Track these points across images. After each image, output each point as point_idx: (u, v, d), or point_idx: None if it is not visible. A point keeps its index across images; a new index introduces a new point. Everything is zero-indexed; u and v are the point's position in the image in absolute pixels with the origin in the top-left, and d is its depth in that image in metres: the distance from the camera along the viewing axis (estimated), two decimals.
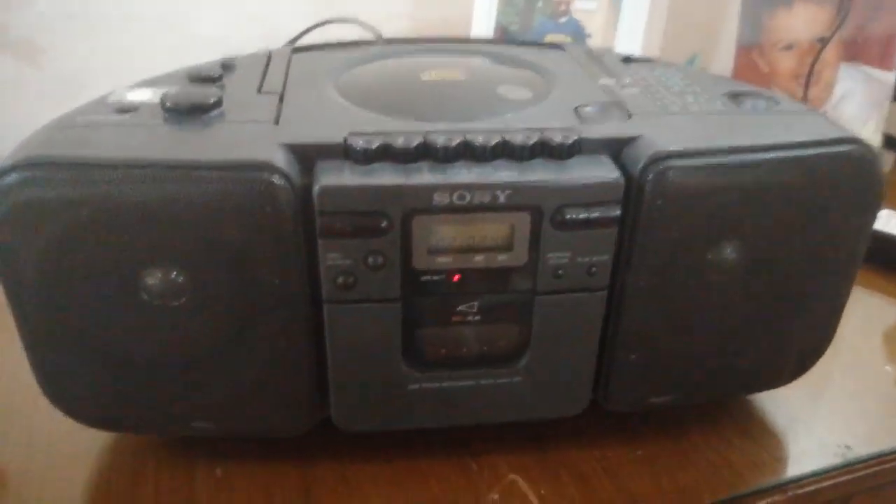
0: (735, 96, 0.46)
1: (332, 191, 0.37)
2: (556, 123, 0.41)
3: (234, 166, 0.36)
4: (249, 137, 0.39)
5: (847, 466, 0.47)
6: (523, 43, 0.60)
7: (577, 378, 0.45)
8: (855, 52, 0.89)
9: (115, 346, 0.41)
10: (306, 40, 0.73)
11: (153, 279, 0.38)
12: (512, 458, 0.47)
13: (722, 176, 0.39)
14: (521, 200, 0.38)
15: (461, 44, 0.59)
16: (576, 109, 0.44)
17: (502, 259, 0.40)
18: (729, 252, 0.43)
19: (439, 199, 0.38)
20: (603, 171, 0.39)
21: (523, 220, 0.39)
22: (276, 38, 0.86)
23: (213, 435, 0.45)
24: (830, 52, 0.89)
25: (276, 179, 0.36)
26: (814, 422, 0.51)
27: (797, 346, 0.48)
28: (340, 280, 0.39)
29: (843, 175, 0.42)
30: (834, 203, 0.42)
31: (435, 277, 0.41)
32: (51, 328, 0.40)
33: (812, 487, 0.46)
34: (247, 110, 0.42)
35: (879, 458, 0.48)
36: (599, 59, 0.53)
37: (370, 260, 0.39)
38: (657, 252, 0.41)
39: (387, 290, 0.40)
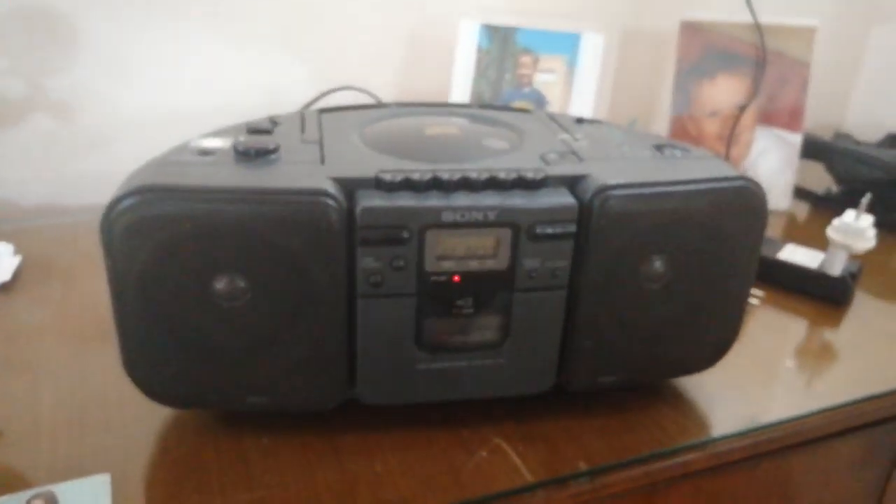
0: (659, 147, 0.62)
1: (370, 210, 0.51)
2: (528, 165, 0.56)
3: (300, 192, 0.50)
4: (306, 173, 0.53)
5: (753, 431, 0.62)
6: (502, 108, 0.76)
7: (545, 361, 0.59)
8: (768, 118, 1.08)
9: (194, 336, 0.53)
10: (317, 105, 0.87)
11: (226, 285, 0.51)
12: (497, 429, 0.60)
13: (649, 202, 0.54)
14: (504, 219, 0.53)
15: (453, 107, 0.74)
16: (541, 156, 0.59)
17: (490, 264, 0.55)
18: (658, 265, 0.58)
19: (446, 217, 0.52)
20: (563, 199, 0.54)
21: (505, 234, 0.54)
22: (279, 104, 1.00)
23: (263, 409, 0.57)
24: (748, 118, 1.08)
25: (330, 202, 0.50)
26: (728, 398, 0.66)
27: (711, 340, 0.62)
28: (372, 279, 0.53)
29: (738, 204, 0.57)
30: (732, 226, 0.58)
31: (441, 278, 0.54)
32: (144, 321, 0.52)
33: (726, 447, 0.60)
34: (297, 154, 0.56)
35: (779, 425, 0.63)
36: (558, 120, 0.69)
37: (394, 263, 0.53)
38: (602, 260, 0.55)
39: (405, 288, 0.54)
